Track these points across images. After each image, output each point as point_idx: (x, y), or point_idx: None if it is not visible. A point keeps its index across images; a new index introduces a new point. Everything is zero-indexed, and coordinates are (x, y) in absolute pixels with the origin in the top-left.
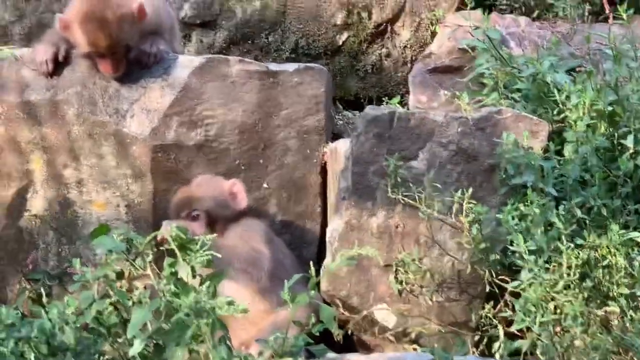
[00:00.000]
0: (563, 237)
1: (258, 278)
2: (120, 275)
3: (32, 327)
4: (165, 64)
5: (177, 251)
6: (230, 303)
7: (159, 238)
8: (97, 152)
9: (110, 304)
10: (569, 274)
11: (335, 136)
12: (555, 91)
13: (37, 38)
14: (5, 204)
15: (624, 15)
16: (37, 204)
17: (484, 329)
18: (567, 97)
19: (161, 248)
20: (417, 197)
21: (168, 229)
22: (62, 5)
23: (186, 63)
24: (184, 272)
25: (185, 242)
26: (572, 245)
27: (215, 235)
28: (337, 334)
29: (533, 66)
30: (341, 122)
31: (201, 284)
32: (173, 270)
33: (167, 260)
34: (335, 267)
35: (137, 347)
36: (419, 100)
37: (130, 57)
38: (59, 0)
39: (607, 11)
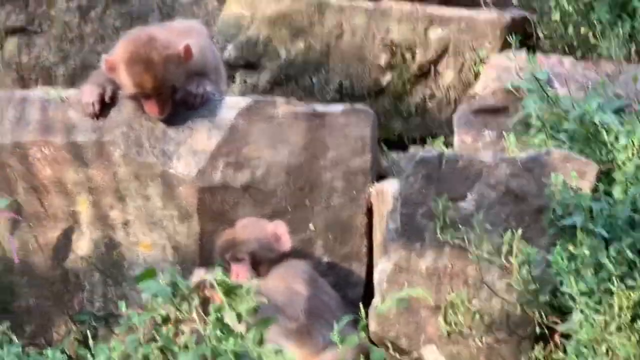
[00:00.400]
0: (614, 279)
1: (294, 317)
2: (166, 319)
3: None
4: (211, 105)
5: (222, 297)
6: (277, 352)
7: (200, 284)
8: (143, 193)
9: (157, 348)
10: (620, 316)
11: (380, 177)
12: (604, 132)
13: (82, 79)
14: (51, 245)
15: None
16: (83, 245)
17: None
18: (616, 138)
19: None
20: (465, 238)
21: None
22: (106, 46)
23: (233, 104)
24: (230, 317)
25: (231, 287)
26: (623, 286)
27: (258, 280)
28: None
29: (580, 107)
30: (386, 163)
31: (247, 330)
32: (219, 315)
33: (213, 306)
34: (386, 308)
35: None
36: (463, 141)
37: (177, 98)
38: (103, 41)
39: None
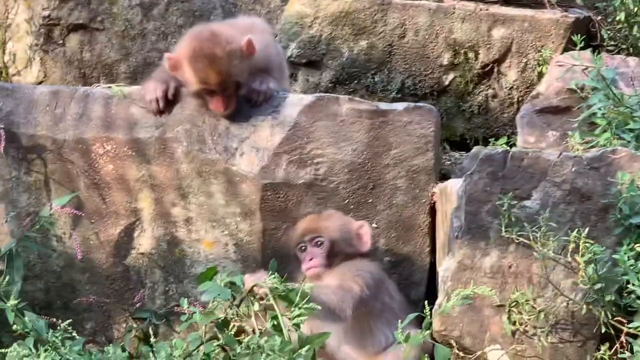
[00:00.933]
0: None
1: (342, 315)
2: (225, 322)
3: None
4: (274, 102)
5: (274, 304)
6: None
7: (246, 288)
8: (206, 190)
9: (219, 346)
10: None
11: (443, 176)
12: None
13: (143, 76)
14: (112, 242)
15: None
16: (145, 242)
17: None
18: None
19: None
20: (531, 237)
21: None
22: (168, 43)
23: (296, 101)
24: (284, 320)
25: (284, 292)
26: None
27: (323, 272)
28: None
29: None
30: (448, 162)
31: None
32: (275, 323)
33: (270, 314)
34: (450, 306)
35: None
36: (526, 141)
37: (240, 94)
38: (165, 38)
39: None
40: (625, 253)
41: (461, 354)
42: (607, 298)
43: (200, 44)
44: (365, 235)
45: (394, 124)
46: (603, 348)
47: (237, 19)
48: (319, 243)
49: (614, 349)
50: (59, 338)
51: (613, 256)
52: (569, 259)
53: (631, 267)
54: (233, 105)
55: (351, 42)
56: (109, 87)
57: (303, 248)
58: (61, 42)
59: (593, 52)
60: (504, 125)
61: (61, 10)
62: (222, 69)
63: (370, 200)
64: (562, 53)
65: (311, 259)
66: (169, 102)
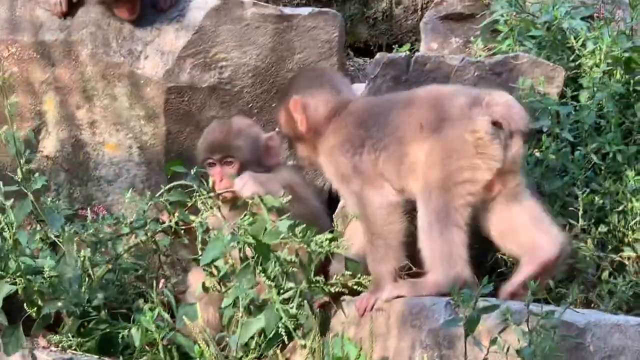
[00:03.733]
0: (578, 183)
1: None
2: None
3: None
4: (179, 6)
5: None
6: None
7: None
8: (110, 93)
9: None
10: (584, 219)
11: None
12: (572, 38)
13: None
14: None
15: None
16: (50, 145)
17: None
18: (583, 44)
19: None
20: None
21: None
22: None
23: (201, 5)
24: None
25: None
26: (587, 190)
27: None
28: None
29: (548, 13)
30: (352, 68)
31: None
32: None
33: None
34: None
35: None
36: (430, 48)
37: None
38: None
39: None
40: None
41: None
42: None
43: None
44: (275, 147)
45: (299, 29)
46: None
47: None
48: (229, 162)
49: None
50: None
51: None
52: None
53: (530, 172)
54: (138, 10)
55: None
56: None
57: (211, 164)
58: None
59: None
60: (408, 32)
61: None
62: None
63: (274, 105)
64: None
65: (222, 180)
66: (73, 5)
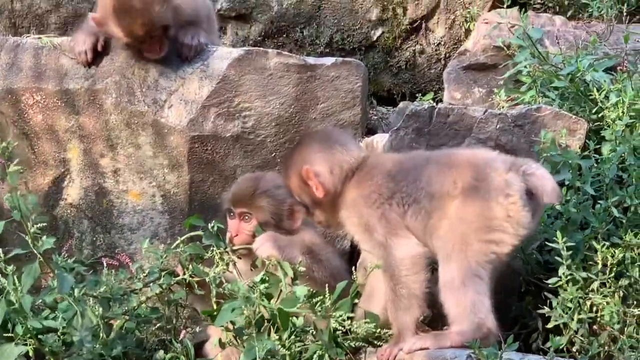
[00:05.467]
0: (599, 236)
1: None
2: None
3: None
4: (203, 56)
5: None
6: None
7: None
8: (134, 141)
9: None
10: (604, 272)
11: (369, 131)
12: (594, 90)
13: (73, 27)
14: (41, 192)
15: None
16: (73, 192)
17: (520, 324)
18: (606, 96)
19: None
20: None
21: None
22: None
23: (225, 55)
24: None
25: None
26: (608, 243)
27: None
28: None
29: (571, 65)
30: (375, 117)
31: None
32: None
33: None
34: None
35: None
36: (453, 97)
37: (170, 35)
38: None
39: None
40: (545, 211)
41: None
42: (528, 254)
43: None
44: (298, 215)
45: (322, 79)
46: (524, 303)
47: None
48: (247, 219)
49: (535, 304)
50: None
51: None
52: None
53: (551, 225)
54: (165, 48)
55: None
56: (39, 37)
57: (232, 215)
58: None
59: (520, 10)
60: (431, 81)
61: None
62: (145, 20)
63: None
64: (489, 10)
65: (237, 235)
66: (98, 54)
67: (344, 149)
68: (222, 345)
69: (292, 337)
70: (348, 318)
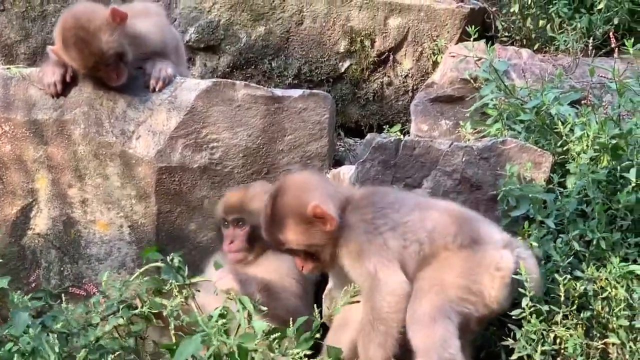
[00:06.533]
0: (560, 270)
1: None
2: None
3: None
4: (171, 87)
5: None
6: None
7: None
8: (102, 172)
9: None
10: (567, 305)
11: (337, 162)
12: (559, 123)
13: (42, 58)
14: (9, 222)
15: (631, 50)
16: (41, 222)
17: (486, 353)
18: (571, 130)
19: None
20: None
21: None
22: None
23: (193, 86)
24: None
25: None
26: (569, 277)
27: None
28: None
29: (537, 98)
30: (342, 148)
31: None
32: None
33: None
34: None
35: None
36: (420, 129)
37: (127, 61)
38: None
39: (612, 45)
40: None
41: None
42: None
43: (66, 31)
44: None
45: (289, 110)
46: (488, 333)
47: (132, 4)
48: (240, 224)
49: (499, 335)
50: None
51: None
52: None
53: None
54: (123, 75)
55: (249, 28)
56: (8, 68)
57: (226, 225)
58: None
59: (487, 42)
60: (399, 112)
61: None
62: (93, 50)
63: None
64: (457, 43)
65: (231, 242)
66: (67, 85)
67: (328, 185)
68: None
69: None
70: (306, 356)
